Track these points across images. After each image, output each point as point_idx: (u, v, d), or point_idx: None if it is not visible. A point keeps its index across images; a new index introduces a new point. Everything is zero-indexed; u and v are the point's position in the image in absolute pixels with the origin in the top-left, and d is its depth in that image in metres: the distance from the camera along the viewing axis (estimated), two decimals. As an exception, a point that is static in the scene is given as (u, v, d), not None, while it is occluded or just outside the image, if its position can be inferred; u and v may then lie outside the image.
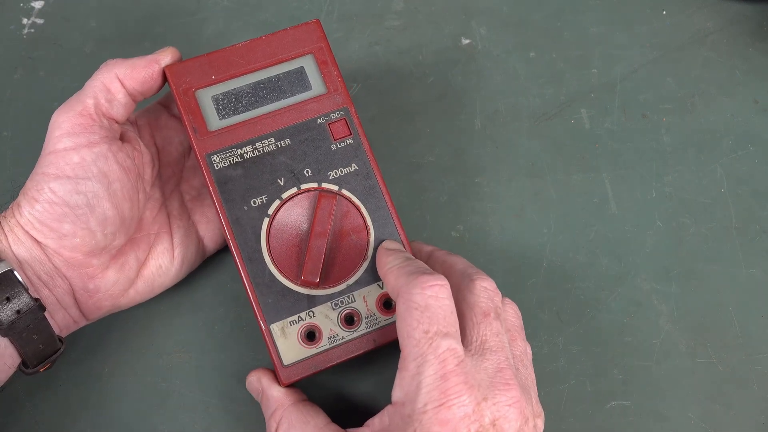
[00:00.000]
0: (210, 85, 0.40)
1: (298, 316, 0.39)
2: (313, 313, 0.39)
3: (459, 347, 0.33)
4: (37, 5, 0.52)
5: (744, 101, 0.49)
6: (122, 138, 0.41)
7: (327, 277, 0.39)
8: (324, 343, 0.38)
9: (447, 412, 0.32)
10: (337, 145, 0.40)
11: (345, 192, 0.40)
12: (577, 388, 0.43)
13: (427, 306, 0.34)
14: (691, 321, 0.45)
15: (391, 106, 0.49)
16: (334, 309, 0.39)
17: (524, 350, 0.37)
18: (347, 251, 0.39)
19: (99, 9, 0.52)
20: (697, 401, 0.43)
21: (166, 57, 0.40)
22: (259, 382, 0.39)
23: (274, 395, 0.38)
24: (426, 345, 0.33)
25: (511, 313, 0.38)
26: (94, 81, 0.39)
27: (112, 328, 0.44)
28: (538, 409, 0.36)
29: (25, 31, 0.52)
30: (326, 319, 0.39)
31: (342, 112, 0.41)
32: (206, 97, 0.40)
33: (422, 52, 0.51)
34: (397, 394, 0.34)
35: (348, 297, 0.39)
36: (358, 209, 0.40)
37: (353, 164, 0.40)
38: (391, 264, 0.37)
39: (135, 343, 0.44)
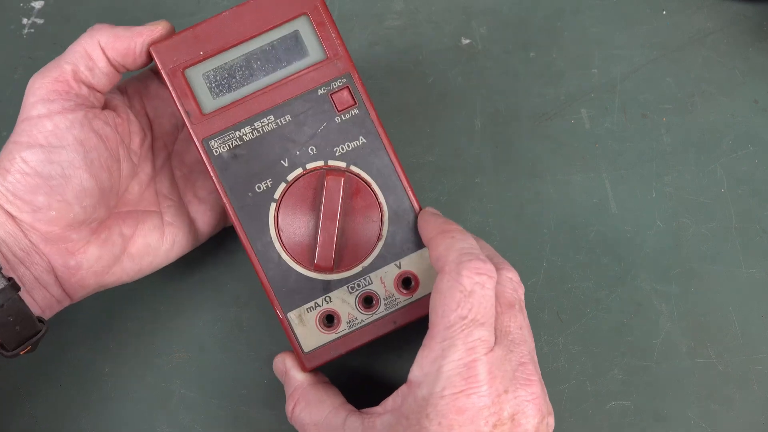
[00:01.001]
0: (200, 61, 0.37)
1: (315, 302, 0.38)
2: (330, 298, 0.38)
3: (491, 339, 0.33)
4: (37, 5, 0.52)
5: (744, 101, 0.49)
6: (106, 106, 0.38)
7: (341, 261, 0.38)
8: (343, 328, 0.38)
9: (466, 400, 0.31)
10: (341, 117, 0.37)
11: (354, 168, 0.38)
12: (577, 388, 0.43)
13: (472, 292, 0.33)
14: (691, 321, 0.45)
15: (391, 106, 0.49)
16: (350, 292, 0.38)
17: (534, 349, 0.37)
18: (360, 232, 0.38)
19: (99, 9, 0.52)
20: (697, 401, 0.43)
21: (153, 32, 0.37)
22: (283, 363, 0.39)
23: (295, 376, 0.38)
24: (458, 330, 0.32)
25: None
26: (75, 46, 0.36)
27: (112, 328, 0.44)
28: (550, 407, 0.35)
29: (25, 31, 0.52)
30: (343, 303, 0.38)
31: (344, 80, 0.37)
32: (197, 76, 0.37)
33: (422, 52, 0.51)
34: (415, 372, 0.33)
35: (365, 279, 0.38)
36: (369, 186, 0.38)
37: (360, 137, 0.38)
38: (446, 230, 0.35)
39: (135, 343, 0.44)
